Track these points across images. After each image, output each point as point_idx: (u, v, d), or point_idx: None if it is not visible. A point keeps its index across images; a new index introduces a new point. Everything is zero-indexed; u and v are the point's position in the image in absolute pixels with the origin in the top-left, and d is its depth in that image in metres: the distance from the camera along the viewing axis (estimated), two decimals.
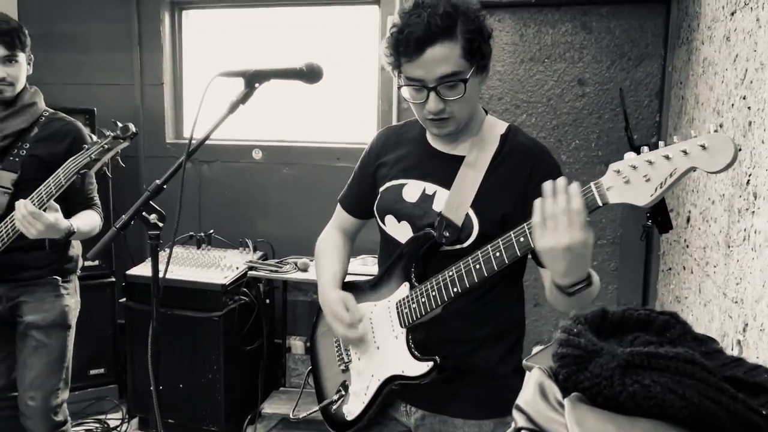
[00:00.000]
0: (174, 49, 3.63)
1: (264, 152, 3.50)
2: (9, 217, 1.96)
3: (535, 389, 0.66)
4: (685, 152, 1.02)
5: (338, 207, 1.71)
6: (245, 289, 3.12)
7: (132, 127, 1.89)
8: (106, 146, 1.87)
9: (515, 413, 0.67)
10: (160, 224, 1.56)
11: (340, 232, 1.72)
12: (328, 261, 1.65)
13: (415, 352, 1.42)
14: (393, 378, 1.45)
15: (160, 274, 1.55)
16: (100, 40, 3.57)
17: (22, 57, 2.05)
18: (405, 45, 1.30)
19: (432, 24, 1.27)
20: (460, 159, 1.43)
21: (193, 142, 1.56)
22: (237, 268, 3.12)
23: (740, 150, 1.12)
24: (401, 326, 1.45)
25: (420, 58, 1.29)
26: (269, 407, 3.09)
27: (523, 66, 3.13)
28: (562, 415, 0.63)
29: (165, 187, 1.56)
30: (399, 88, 1.39)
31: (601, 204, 1.12)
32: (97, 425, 3.17)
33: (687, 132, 1.04)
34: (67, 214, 2.03)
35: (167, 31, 3.57)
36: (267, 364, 3.24)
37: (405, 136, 1.56)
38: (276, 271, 3.09)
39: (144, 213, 1.53)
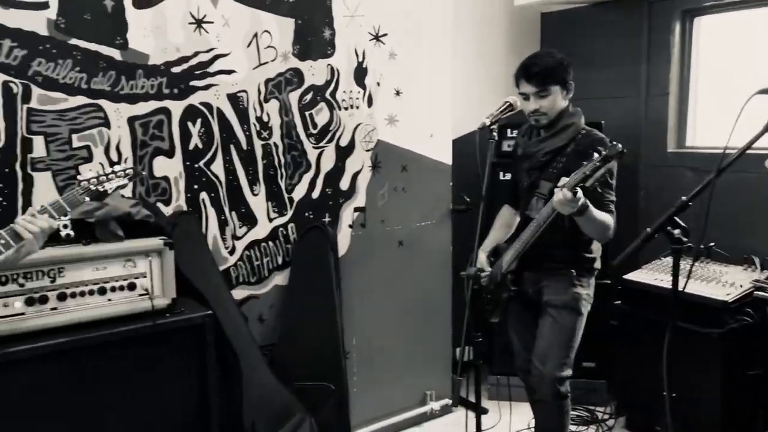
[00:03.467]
0: (682, 59, 3.60)
1: None
2: (537, 216, 2.33)
3: None
4: None
5: None
6: (749, 310, 2.89)
7: (618, 147, 1.98)
8: (597, 164, 2.02)
9: None
10: (684, 239, 1.63)
11: None
12: None
13: None
14: None
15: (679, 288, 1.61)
16: (610, 56, 3.81)
17: (554, 89, 2.39)
18: None
19: None
20: None
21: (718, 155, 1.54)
22: (741, 285, 2.92)
23: None
24: None
25: None
26: None
27: None
28: None
29: (690, 204, 1.62)
30: None
31: None
32: (587, 414, 3.44)
33: None
34: None
35: (677, 40, 3.57)
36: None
37: None
38: None
39: (668, 228, 1.63)
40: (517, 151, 2.61)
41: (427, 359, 3.46)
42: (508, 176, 3.11)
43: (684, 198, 1.63)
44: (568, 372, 2.50)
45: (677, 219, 1.64)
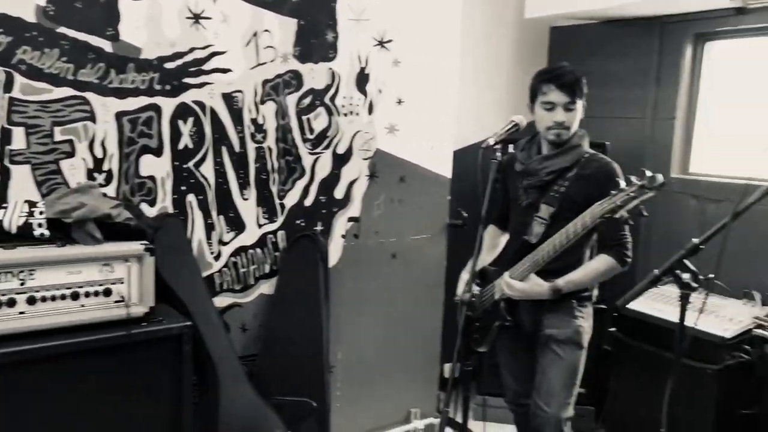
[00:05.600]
0: (692, 83, 3.51)
1: None
2: (541, 247, 2.22)
3: None
4: None
5: None
6: (747, 347, 2.81)
7: (660, 179, 1.83)
8: (631, 194, 1.89)
9: None
10: (694, 285, 1.54)
11: None
12: None
13: None
14: None
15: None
16: (619, 76, 3.72)
17: (578, 104, 2.28)
18: None
19: None
20: None
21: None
22: (740, 321, 2.84)
23: None
24: None
25: None
26: None
27: None
28: None
29: (702, 247, 1.53)
30: None
31: None
32: None
33: None
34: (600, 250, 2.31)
35: (687, 64, 3.48)
36: None
37: None
38: None
39: (678, 271, 1.54)
40: (515, 167, 2.47)
41: (413, 376, 3.36)
42: None
43: (696, 240, 1.54)
44: (572, 412, 2.40)
45: (687, 262, 1.54)
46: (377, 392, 3.22)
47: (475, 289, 2.39)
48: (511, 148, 3.36)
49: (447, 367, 3.67)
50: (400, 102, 3.07)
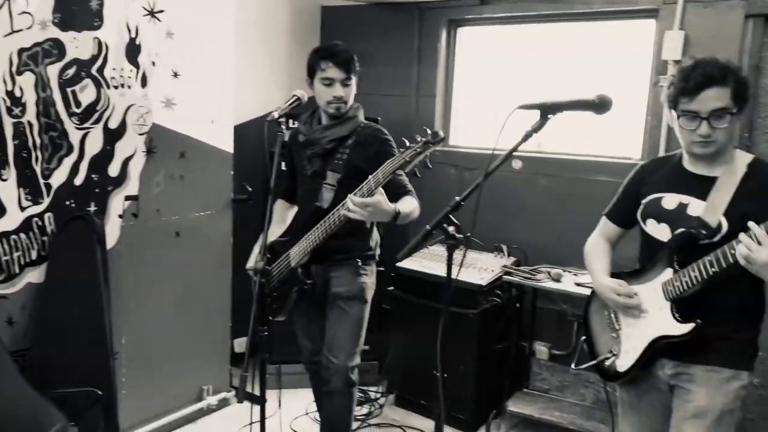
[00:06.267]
0: (447, 64, 3.94)
1: (524, 162, 3.64)
2: (334, 210, 2.33)
3: None
4: None
5: (604, 219, 2.17)
6: (498, 292, 3.31)
7: (441, 134, 2.12)
8: (418, 150, 2.12)
9: None
10: (458, 235, 1.80)
11: (605, 240, 2.17)
12: (597, 260, 2.12)
13: (678, 317, 1.83)
14: (659, 338, 1.86)
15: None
16: (386, 55, 4.01)
17: (353, 80, 2.47)
18: (684, 88, 1.77)
19: (709, 74, 1.75)
20: (712, 179, 1.83)
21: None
22: (492, 271, 3.32)
23: None
24: (666, 300, 1.86)
25: (697, 96, 1.74)
26: (513, 406, 3.25)
27: None
28: None
29: (463, 203, 1.79)
30: (678, 117, 1.82)
31: None
32: (360, 395, 3.62)
33: None
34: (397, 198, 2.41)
35: (443, 47, 3.90)
36: (513, 365, 3.40)
37: (666, 164, 2.00)
38: (529, 278, 3.23)
39: (445, 225, 1.78)
40: (299, 138, 2.58)
41: (205, 354, 3.34)
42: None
43: (458, 198, 1.80)
44: (358, 360, 2.59)
45: (452, 217, 1.80)
46: (167, 374, 3.14)
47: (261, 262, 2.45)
48: (291, 123, 3.49)
49: (237, 342, 3.70)
50: (176, 75, 2.98)
